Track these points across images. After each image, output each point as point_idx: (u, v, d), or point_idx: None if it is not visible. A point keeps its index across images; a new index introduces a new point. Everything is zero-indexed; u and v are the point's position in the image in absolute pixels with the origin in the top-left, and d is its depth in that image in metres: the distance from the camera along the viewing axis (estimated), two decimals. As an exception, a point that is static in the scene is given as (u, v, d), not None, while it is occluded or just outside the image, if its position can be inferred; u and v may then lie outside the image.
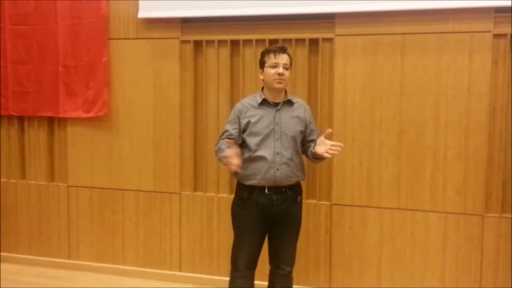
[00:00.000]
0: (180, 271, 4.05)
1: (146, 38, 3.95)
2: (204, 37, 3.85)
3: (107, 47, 4.01)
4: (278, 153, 2.88)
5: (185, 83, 3.93)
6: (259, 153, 2.89)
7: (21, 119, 4.36)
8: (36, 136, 4.32)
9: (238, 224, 3.04)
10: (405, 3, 3.39)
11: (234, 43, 3.81)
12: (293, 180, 2.93)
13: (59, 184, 4.30)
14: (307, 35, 3.64)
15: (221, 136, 3.02)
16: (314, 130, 3.05)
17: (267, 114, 2.93)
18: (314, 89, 3.68)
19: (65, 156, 4.26)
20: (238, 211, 3.02)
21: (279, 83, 2.89)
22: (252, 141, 2.91)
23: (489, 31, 3.30)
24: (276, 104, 2.95)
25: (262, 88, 3.02)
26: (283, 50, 2.93)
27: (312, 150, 2.91)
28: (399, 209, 3.54)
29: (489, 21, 3.29)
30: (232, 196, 3.82)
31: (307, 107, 3.09)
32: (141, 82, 4.00)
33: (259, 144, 2.89)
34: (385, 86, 3.51)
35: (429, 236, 3.50)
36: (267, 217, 2.95)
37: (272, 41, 3.71)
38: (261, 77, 2.98)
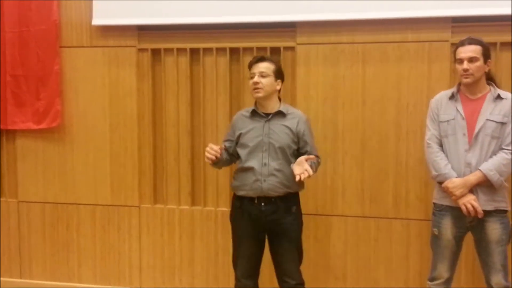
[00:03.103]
0: (141, 287, 3.91)
1: (101, 46, 3.81)
2: (162, 45, 3.74)
3: (59, 55, 3.83)
4: (265, 164, 2.88)
5: (143, 93, 3.81)
6: (247, 164, 2.92)
7: (-35, 131, 4.11)
8: (-18, 149, 4.08)
9: (233, 234, 3.08)
10: (365, 13, 3.40)
11: (194, 52, 3.73)
12: (281, 191, 2.91)
13: (9, 200, 4.07)
14: (269, 43, 3.60)
15: None
16: (308, 143, 2.98)
17: (257, 125, 2.95)
18: (277, 98, 3.64)
19: (14, 170, 4.04)
20: (233, 222, 3.07)
21: (256, 92, 2.90)
22: (242, 152, 2.97)
23: (447, 40, 3.36)
24: (268, 115, 2.95)
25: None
26: (259, 59, 2.95)
27: (291, 167, 2.88)
28: (363, 217, 3.56)
29: (447, 31, 3.36)
30: (193, 207, 3.80)
31: (304, 118, 3.01)
32: (96, 91, 3.85)
33: (247, 156, 2.93)
34: (347, 95, 3.52)
35: (392, 243, 3.53)
36: (260, 228, 2.96)
37: (233, 50, 3.66)
38: None
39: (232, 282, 3.51)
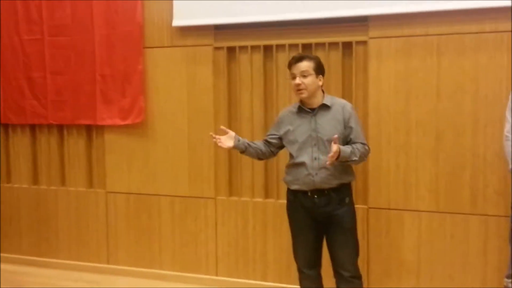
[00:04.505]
0: (217, 275, 4.07)
1: (180, 46, 4.01)
2: (237, 43, 3.88)
3: (142, 55, 4.08)
4: (316, 158, 2.93)
5: (219, 89, 3.96)
6: (299, 159, 2.98)
7: (60, 127, 4.47)
8: (75, 144, 4.42)
9: (291, 227, 3.15)
10: (439, 3, 3.34)
11: (267, 49, 3.83)
12: (334, 183, 2.95)
13: (98, 190, 4.39)
14: (341, 38, 3.63)
15: None
16: (353, 130, 2.97)
17: (304, 121, 3.00)
18: (349, 93, 3.65)
19: (103, 162, 4.34)
20: (289, 214, 3.15)
21: (300, 93, 2.96)
22: (291, 148, 3.04)
23: (527, 29, 3.23)
24: (313, 110, 2.99)
25: None
26: (298, 59, 2.98)
27: None
28: (437, 212, 3.49)
29: (527, 20, 3.23)
30: (266, 200, 3.90)
31: (347, 105, 3.03)
32: (176, 89, 4.06)
33: (298, 151, 2.98)
34: (421, 88, 3.47)
35: (469, 239, 3.43)
36: (316, 220, 3.01)
37: (305, 46, 3.72)
38: None
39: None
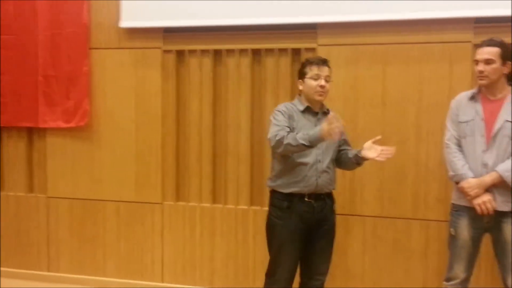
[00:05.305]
0: (162, 282, 4.00)
1: (128, 48, 3.93)
2: (186, 47, 3.84)
3: (88, 56, 3.97)
4: (319, 161, 2.90)
5: (168, 93, 3.91)
6: (301, 159, 2.87)
7: (-1, 129, 4.29)
8: (15, 146, 4.25)
9: (278, 236, 2.94)
10: (387, 14, 3.43)
11: (217, 53, 3.81)
12: (330, 188, 2.99)
13: (38, 195, 4.23)
14: (290, 45, 3.66)
15: (278, 131, 2.80)
16: (347, 141, 3.09)
17: (309, 122, 2.94)
18: (297, 99, 3.68)
19: (44, 167, 4.19)
20: (278, 222, 2.94)
21: (320, 95, 2.92)
22: None
23: (469, 41, 3.36)
24: (316, 113, 2.99)
25: (299, 95, 3.02)
26: (325, 62, 2.95)
27: (359, 155, 2.91)
28: (381, 217, 3.57)
29: (469, 32, 3.35)
30: (214, 205, 3.86)
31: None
32: (123, 92, 3.97)
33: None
34: (368, 96, 3.54)
35: (411, 243, 3.53)
36: (307, 226, 2.93)
37: (255, 51, 3.73)
38: (300, 87, 2.98)
39: (251, 279, 3.59)
